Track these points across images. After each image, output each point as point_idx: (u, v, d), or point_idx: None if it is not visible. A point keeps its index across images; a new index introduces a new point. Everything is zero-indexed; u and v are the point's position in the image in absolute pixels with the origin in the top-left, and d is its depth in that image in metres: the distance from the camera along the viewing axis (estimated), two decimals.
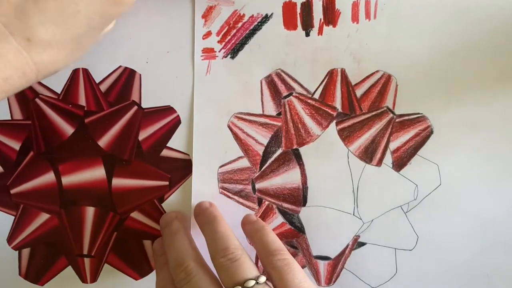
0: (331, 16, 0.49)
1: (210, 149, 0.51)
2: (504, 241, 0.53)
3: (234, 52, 0.50)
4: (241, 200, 0.52)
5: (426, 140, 0.51)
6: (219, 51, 0.50)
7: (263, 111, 0.51)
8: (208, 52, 0.50)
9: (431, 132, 0.51)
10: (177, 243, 0.47)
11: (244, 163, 0.51)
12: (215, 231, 0.46)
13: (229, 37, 0.50)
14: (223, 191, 0.51)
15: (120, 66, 0.50)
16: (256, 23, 0.49)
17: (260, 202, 0.52)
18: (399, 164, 0.51)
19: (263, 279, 0.41)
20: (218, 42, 0.50)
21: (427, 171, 0.51)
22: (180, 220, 0.50)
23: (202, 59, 0.50)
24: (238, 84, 0.50)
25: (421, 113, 0.51)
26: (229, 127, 0.51)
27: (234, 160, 0.51)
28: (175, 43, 0.50)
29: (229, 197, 0.52)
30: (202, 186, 0.51)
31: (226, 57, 0.50)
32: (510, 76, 0.50)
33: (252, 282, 0.41)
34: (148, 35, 0.50)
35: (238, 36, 0.50)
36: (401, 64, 0.50)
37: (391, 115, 0.51)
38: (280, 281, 0.42)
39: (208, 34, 0.50)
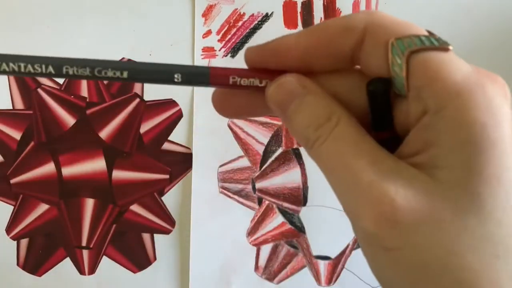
0: (331, 15, 0.50)
1: (210, 149, 0.51)
2: None
3: (234, 51, 0.51)
4: (241, 199, 0.52)
5: None
6: (219, 50, 0.51)
7: None
8: (208, 51, 0.51)
9: None
10: None
11: (244, 162, 0.51)
12: None
13: (229, 36, 0.51)
14: (223, 190, 0.51)
15: (123, 58, 0.51)
16: (256, 22, 0.50)
17: (260, 202, 0.52)
18: None
19: None
20: (218, 41, 0.51)
21: None
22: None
23: (202, 58, 0.51)
24: None
25: None
26: (229, 126, 0.51)
27: (234, 160, 0.52)
28: (179, 36, 0.51)
29: (229, 196, 0.51)
30: (202, 185, 0.51)
31: (226, 56, 0.51)
32: (511, 75, 0.50)
33: None
34: (151, 28, 0.50)
35: (239, 35, 0.50)
36: None
37: None
38: None
39: (208, 33, 0.50)
